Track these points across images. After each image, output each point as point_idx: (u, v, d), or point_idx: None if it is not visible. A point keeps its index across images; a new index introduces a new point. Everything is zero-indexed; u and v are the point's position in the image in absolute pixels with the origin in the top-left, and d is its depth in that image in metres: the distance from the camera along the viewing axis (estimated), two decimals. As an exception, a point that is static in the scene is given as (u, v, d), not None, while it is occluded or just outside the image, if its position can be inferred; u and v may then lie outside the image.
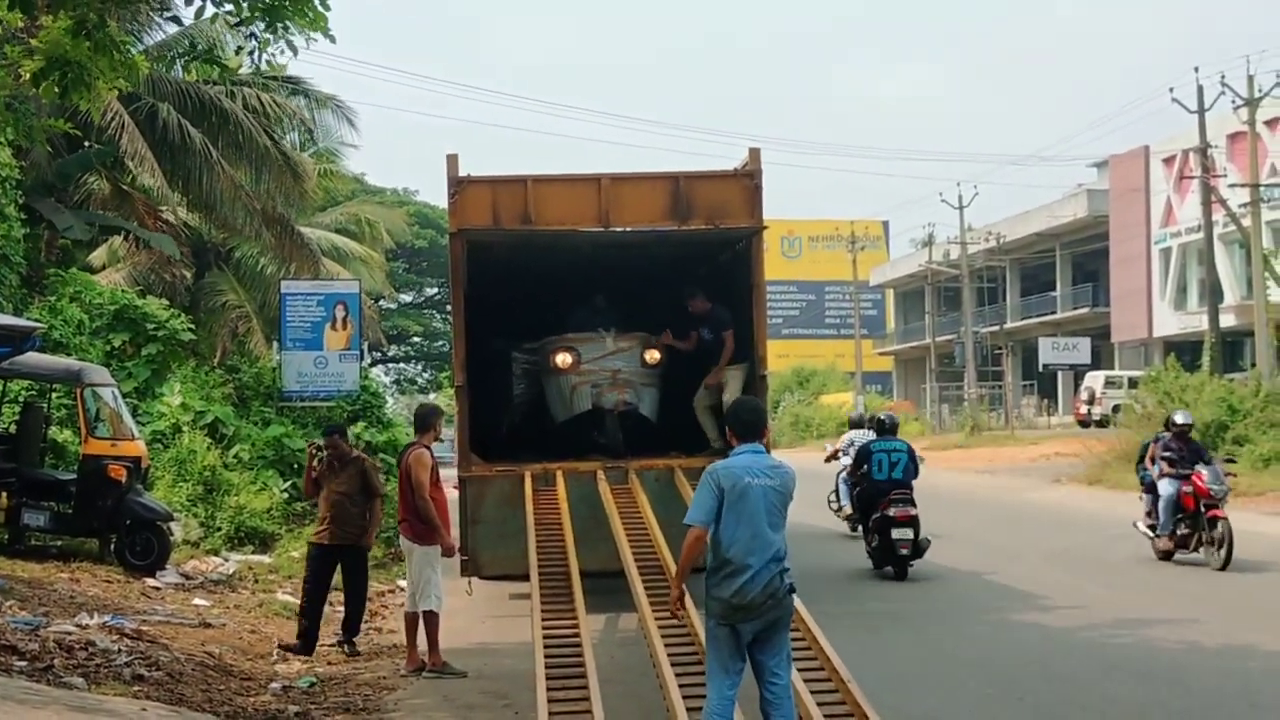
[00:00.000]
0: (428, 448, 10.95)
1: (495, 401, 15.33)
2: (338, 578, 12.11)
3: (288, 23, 9.22)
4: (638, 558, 11.20)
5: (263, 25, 9.38)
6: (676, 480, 13.32)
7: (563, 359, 14.23)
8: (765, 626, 6.97)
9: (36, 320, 17.24)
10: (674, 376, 14.84)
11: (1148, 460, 17.49)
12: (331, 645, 11.93)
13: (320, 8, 9.16)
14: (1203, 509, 16.29)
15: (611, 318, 15.01)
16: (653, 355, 14.41)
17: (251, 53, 9.80)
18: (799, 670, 8.30)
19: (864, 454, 16.58)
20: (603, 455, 13.91)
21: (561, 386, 14.41)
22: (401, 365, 77.78)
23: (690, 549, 7.03)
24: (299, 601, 12.39)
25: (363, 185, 51.79)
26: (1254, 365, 36.56)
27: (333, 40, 9.52)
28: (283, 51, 9.92)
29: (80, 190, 25.24)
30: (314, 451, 12.07)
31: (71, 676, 9.33)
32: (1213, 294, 41.77)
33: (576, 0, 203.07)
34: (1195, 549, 16.50)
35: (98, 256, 28.96)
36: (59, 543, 15.77)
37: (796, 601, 9.71)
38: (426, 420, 11.21)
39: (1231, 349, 46.05)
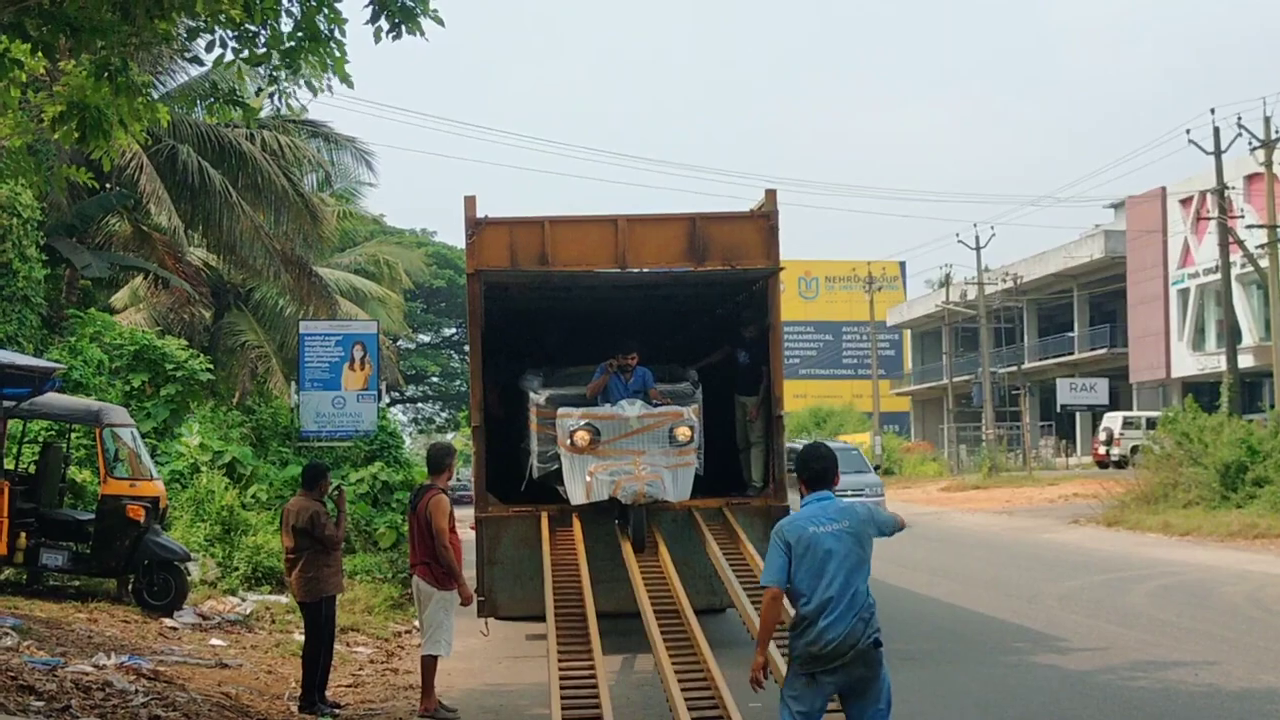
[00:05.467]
0: (444, 490, 10.85)
1: (515, 442, 15.24)
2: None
3: (305, 67, 9.29)
4: (654, 599, 11.19)
5: (279, 63, 9.45)
6: (693, 521, 13.30)
7: (580, 438, 13.02)
8: (853, 681, 6.74)
9: (57, 361, 17.37)
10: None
11: None
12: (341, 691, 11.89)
13: (338, 52, 9.24)
14: None
15: (631, 345, 14.06)
16: (684, 432, 13.13)
17: (272, 95, 9.89)
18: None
19: None
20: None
21: (578, 468, 13.16)
22: (419, 405, 77.94)
23: (767, 611, 6.88)
24: (323, 660, 11.14)
25: (381, 226, 52.11)
26: (1273, 406, 36.44)
27: (350, 85, 9.60)
28: (293, 96, 10.00)
29: (101, 232, 25.43)
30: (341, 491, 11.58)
31: (88, 717, 9.33)
32: (1231, 335, 41.66)
33: (591, 46, 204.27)
34: None
35: (119, 298, 29.13)
36: (77, 582, 15.79)
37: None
38: (441, 461, 11.03)
39: (1250, 390, 45.89)
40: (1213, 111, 61.03)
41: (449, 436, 67.46)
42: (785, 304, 16.68)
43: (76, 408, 16.21)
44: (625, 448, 13.05)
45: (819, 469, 7.02)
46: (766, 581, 6.83)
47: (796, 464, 7.20)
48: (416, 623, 13.78)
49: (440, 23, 9.12)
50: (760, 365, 14.46)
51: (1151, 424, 41.82)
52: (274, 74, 9.65)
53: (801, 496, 7.08)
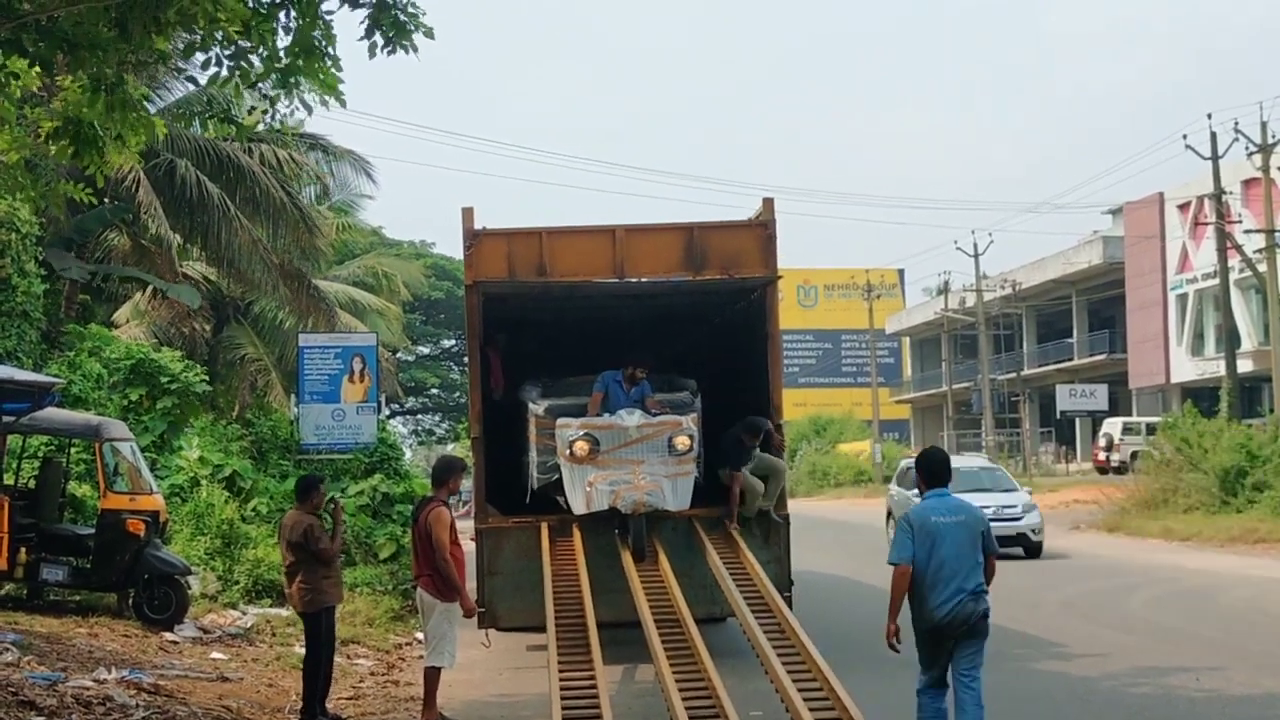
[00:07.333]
0: (445, 503, 10.82)
1: (517, 452, 15.23)
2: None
3: (300, 82, 9.30)
4: (654, 609, 11.19)
5: (275, 83, 9.46)
6: (693, 531, 13.29)
7: (579, 448, 12.98)
8: (962, 642, 8.30)
9: (56, 376, 17.37)
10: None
11: None
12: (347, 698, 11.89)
13: (333, 68, 9.25)
14: None
15: (645, 357, 13.96)
16: (683, 441, 13.09)
17: (265, 112, 9.90)
18: (816, 718, 8.37)
19: None
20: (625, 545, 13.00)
21: (577, 477, 13.12)
22: (419, 416, 77.93)
23: (897, 585, 8.23)
24: (323, 672, 11.04)
25: (380, 238, 52.11)
26: (1272, 410, 36.44)
27: (343, 104, 9.61)
28: (294, 113, 10.03)
29: (100, 246, 25.43)
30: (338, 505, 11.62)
31: (89, 732, 9.34)
32: (1230, 339, 41.66)
33: (591, 54, 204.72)
34: None
35: (121, 314, 29.10)
36: (77, 597, 15.78)
37: (813, 649, 9.75)
38: (444, 475, 11.02)
39: (1249, 394, 45.88)
40: (1209, 117, 60.38)
41: (449, 448, 67.45)
42: (784, 312, 16.68)
43: (76, 422, 16.21)
44: (624, 457, 13.01)
45: (936, 470, 8.48)
46: (895, 560, 8.21)
47: (917, 464, 8.76)
48: (418, 634, 13.78)
49: (430, 35, 9.13)
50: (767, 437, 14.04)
51: (1151, 429, 41.82)
52: (268, 96, 9.66)
53: (920, 492, 8.57)
